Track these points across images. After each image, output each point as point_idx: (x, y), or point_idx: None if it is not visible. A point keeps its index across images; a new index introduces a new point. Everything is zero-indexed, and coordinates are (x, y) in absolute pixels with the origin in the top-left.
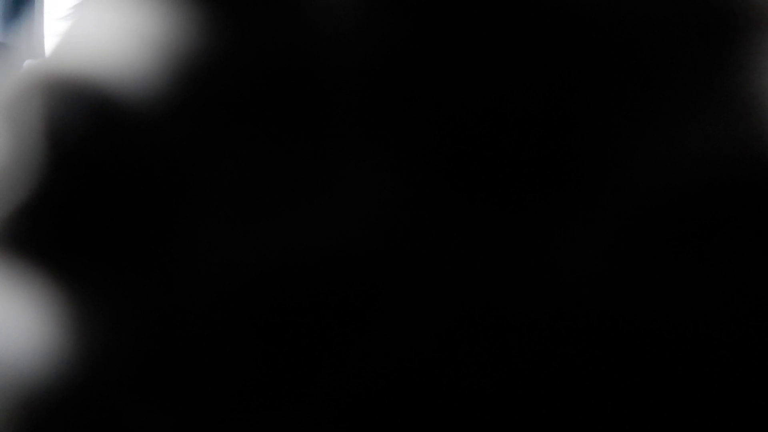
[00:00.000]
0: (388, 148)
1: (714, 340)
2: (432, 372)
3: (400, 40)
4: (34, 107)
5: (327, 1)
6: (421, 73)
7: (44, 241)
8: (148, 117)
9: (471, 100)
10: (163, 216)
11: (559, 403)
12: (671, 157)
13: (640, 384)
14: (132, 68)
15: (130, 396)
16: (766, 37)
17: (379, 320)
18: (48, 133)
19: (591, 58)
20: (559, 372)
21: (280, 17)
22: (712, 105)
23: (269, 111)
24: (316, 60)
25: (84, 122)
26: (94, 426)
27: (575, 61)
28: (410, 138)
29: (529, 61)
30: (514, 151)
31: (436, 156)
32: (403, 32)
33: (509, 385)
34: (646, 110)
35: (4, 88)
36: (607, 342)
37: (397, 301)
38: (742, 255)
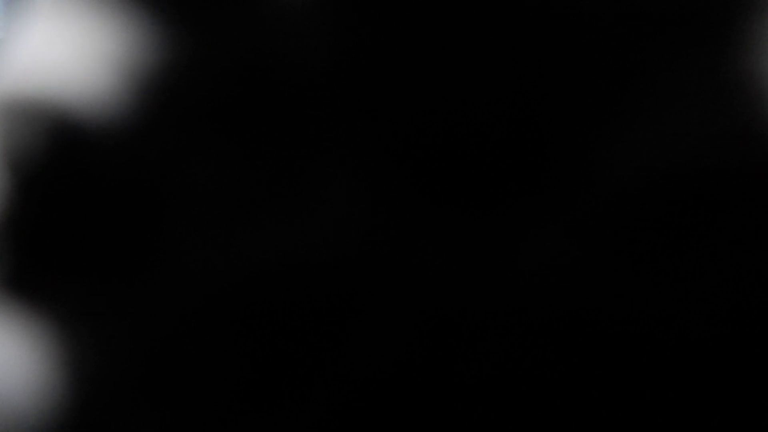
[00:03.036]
0: (358, 154)
1: (697, 336)
2: (410, 373)
3: (366, 44)
4: None
5: (287, 7)
6: (389, 77)
7: (13, 266)
8: (112, 133)
9: (440, 102)
10: (135, 232)
11: (535, 400)
12: (655, 147)
13: (615, 381)
14: (91, 84)
15: (121, 411)
16: (761, 22)
17: (356, 325)
18: (8, 157)
19: (567, 46)
20: (534, 370)
21: (242, 26)
22: (703, 91)
23: (236, 120)
24: (281, 67)
25: (45, 143)
26: None
27: (548, 52)
28: (380, 143)
29: (498, 54)
30: (484, 152)
31: (405, 160)
32: (369, 36)
33: (486, 384)
34: (628, 100)
35: None
36: (581, 340)
37: (374, 305)
38: (732, 244)
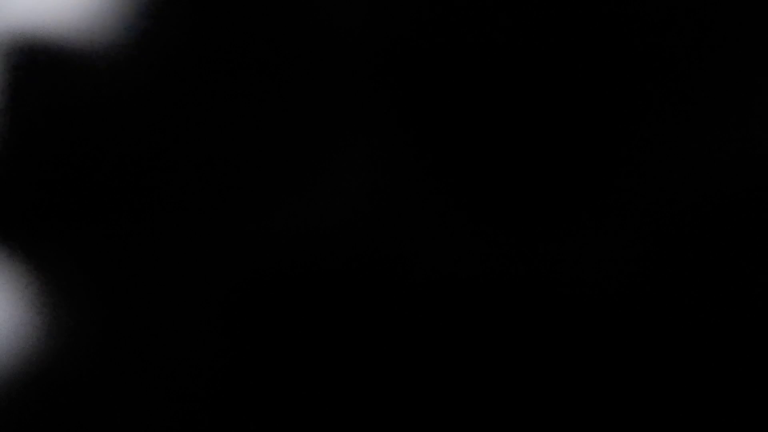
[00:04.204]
0: (385, 138)
1: (717, 342)
2: (425, 364)
3: (405, 31)
4: None
5: None
6: (427, 67)
7: (5, 219)
8: (119, 81)
9: (482, 97)
10: (133, 193)
11: (549, 402)
12: (678, 167)
13: (637, 390)
14: (87, 21)
15: (93, 385)
16: None
17: (368, 312)
18: (5, 96)
19: (603, 59)
20: (554, 375)
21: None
22: (721, 113)
23: (258, 86)
24: (316, 43)
25: (42, 82)
26: (54, 412)
27: (587, 64)
28: (408, 129)
29: (540, 60)
30: (520, 153)
31: (437, 152)
32: (409, 25)
33: (503, 386)
34: (657, 119)
35: None
36: (604, 346)
37: (387, 295)
38: (748, 261)
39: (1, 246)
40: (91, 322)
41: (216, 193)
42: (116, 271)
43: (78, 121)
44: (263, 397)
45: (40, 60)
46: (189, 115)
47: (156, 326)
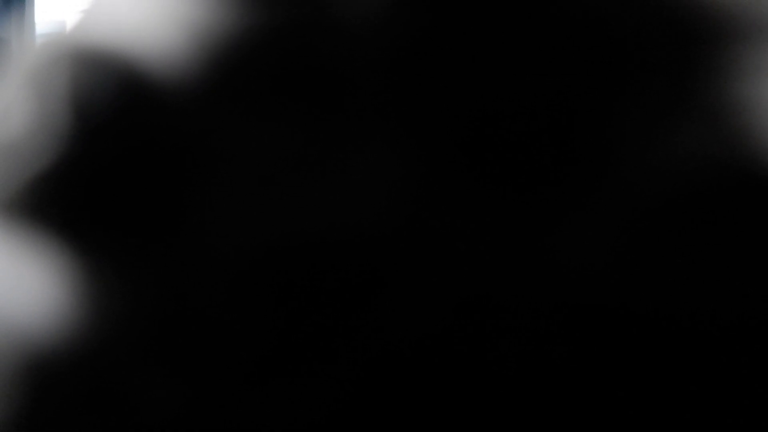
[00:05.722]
0: (401, 135)
1: (709, 331)
2: (434, 351)
3: (419, 34)
4: (60, 76)
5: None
6: (438, 66)
7: (62, 209)
8: (174, 94)
9: (483, 95)
10: (182, 192)
11: (552, 386)
12: (665, 157)
13: (637, 375)
14: (160, 44)
15: (137, 366)
16: (736, 45)
17: (386, 299)
18: (72, 103)
19: (593, 59)
20: (553, 356)
21: (308, 8)
22: (690, 109)
23: (291, 98)
24: (339, 51)
25: (109, 94)
26: (97, 393)
27: (581, 60)
28: (423, 126)
29: (540, 59)
30: (524, 144)
31: (448, 144)
32: (422, 27)
33: (506, 368)
34: (641, 113)
35: (29, 56)
36: (605, 332)
37: (403, 280)
38: (733, 248)
39: (57, 237)
40: (137, 308)
41: (254, 193)
42: (161, 264)
43: (134, 127)
44: (303, 380)
45: (115, 75)
46: (235, 125)
47: (196, 315)
